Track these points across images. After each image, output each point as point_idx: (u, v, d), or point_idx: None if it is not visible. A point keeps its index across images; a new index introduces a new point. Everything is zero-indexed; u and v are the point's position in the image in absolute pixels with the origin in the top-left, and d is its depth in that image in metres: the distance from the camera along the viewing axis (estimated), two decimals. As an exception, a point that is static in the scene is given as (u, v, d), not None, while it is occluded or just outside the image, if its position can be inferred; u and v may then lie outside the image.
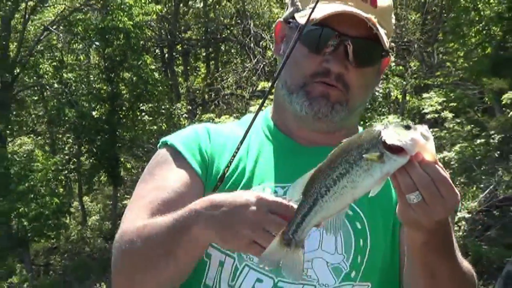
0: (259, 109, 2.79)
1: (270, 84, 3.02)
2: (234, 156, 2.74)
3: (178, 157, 2.81)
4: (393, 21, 2.94)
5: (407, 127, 2.18)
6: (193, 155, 2.81)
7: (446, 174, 2.20)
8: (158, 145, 2.95)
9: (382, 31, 2.73)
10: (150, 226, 2.53)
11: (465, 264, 2.56)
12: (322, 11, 2.69)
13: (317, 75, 2.75)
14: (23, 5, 30.71)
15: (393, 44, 29.57)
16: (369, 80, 2.87)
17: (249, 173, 2.80)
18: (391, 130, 2.17)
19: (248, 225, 2.28)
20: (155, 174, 2.81)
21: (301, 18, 2.76)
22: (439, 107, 20.32)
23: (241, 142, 2.73)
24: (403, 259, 2.65)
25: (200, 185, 2.77)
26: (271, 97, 3.14)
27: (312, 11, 2.67)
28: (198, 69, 37.30)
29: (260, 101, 3.05)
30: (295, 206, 2.28)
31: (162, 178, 2.77)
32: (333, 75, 2.73)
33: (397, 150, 2.15)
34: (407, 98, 27.20)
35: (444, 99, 21.15)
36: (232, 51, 35.69)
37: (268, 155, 2.86)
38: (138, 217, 2.66)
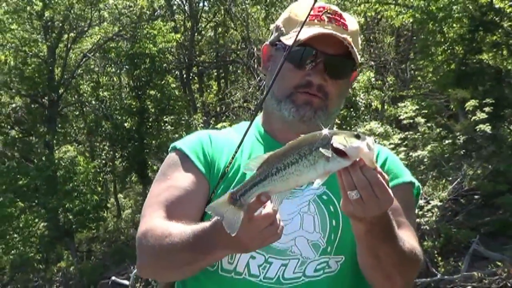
0: (253, 119, 2.84)
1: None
2: (233, 158, 2.79)
3: (186, 160, 2.86)
4: (360, 41, 2.97)
5: (357, 136, 2.20)
6: (198, 158, 2.85)
7: (382, 179, 2.25)
8: (169, 149, 2.99)
9: (354, 49, 2.78)
10: (170, 240, 2.58)
11: (407, 244, 2.60)
12: (305, 33, 2.72)
13: (300, 86, 2.79)
14: (66, 36, 30.80)
15: (372, 62, 29.56)
16: (343, 90, 2.92)
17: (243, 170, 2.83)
18: (341, 136, 2.20)
19: (252, 238, 2.35)
20: (167, 175, 2.85)
21: (287, 40, 2.81)
22: (413, 114, 20.30)
23: (238, 147, 2.78)
24: None
25: (205, 182, 2.83)
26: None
27: (298, 33, 2.69)
28: (211, 86, 37.26)
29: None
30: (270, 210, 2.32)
31: (173, 178, 2.81)
32: (314, 87, 2.78)
33: (342, 153, 2.19)
34: (385, 107, 27.11)
35: (417, 107, 21.13)
36: (239, 71, 35.66)
37: (258, 153, 2.85)
38: (156, 213, 2.73)
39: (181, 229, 2.58)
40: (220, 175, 2.82)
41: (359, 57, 2.84)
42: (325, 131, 2.24)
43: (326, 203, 2.81)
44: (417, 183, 2.95)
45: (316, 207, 2.79)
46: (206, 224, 2.49)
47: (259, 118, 3.07)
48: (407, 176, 2.91)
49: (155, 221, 2.72)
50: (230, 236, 2.34)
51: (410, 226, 2.79)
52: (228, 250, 2.51)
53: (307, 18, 2.73)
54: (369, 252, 2.56)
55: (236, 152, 2.82)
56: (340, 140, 2.19)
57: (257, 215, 2.31)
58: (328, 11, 2.87)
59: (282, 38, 2.88)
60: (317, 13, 2.85)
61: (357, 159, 2.21)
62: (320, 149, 2.21)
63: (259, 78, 27.72)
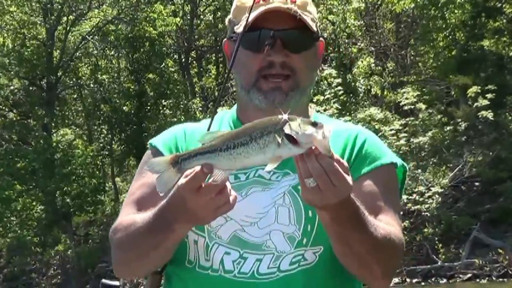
0: (214, 113, 2.84)
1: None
2: None
3: (159, 156, 2.76)
4: (314, 11, 2.87)
5: (314, 124, 2.17)
6: (171, 153, 2.76)
7: (340, 167, 2.23)
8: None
9: (306, 17, 2.70)
10: (135, 227, 2.62)
11: (381, 231, 2.51)
12: (251, 16, 2.67)
13: (263, 69, 2.71)
14: (65, 19, 30.75)
15: (372, 48, 29.40)
16: (310, 62, 2.82)
17: None
18: (295, 122, 2.17)
19: (203, 207, 2.35)
20: (142, 173, 2.84)
21: (238, 29, 2.75)
22: (414, 100, 20.20)
23: None
24: None
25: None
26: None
27: (247, 20, 2.67)
28: (209, 71, 37.12)
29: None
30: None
31: (146, 176, 2.79)
32: (277, 65, 2.70)
33: (295, 140, 2.16)
34: (385, 93, 26.99)
35: (419, 93, 21.04)
36: (238, 55, 35.54)
37: None
38: (128, 212, 2.77)
39: (143, 215, 2.60)
40: None
41: (313, 25, 2.75)
42: (283, 116, 2.19)
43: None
44: (400, 163, 2.81)
45: (292, 198, 2.71)
46: (163, 202, 2.48)
47: (235, 107, 2.99)
48: (387, 157, 2.78)
49: (124, 218, 2.74)
50: (184, 208, 2.37)
51: (390, 210, 2.68)
52: (185, 223, 2.49)
53: (253, 2, 2.68)
54: (339, 240, 2.50)
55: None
56: (293, 127, 2.16)
57: (205, 183, 2.31)
58: None
59: (234, 29, 2.80)
60: None
61: (312, 147, 2.18)
62: (272, 134, 2.19)
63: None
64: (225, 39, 2.92)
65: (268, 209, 2.70)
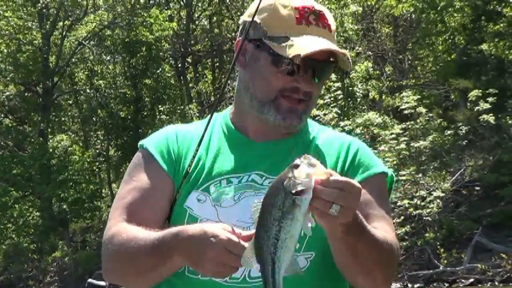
0: (210, 117, 2.83)
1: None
2: (194, 156, 2.77)
3: (151, 159, 2.83)
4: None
5: (296, 166, 2.23)
6: (162, 156, 2.82)
7: (343, 179, 2.28)
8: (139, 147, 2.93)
9: (348, 58, 2.71)
10: (136, 244, 2.61)
11: (379, 235, 2.59)
12: (300, 45, 2.63)
13: (286, 90, 2.70)
14: (61, 24, 30.75)
15: (370, 52, 29.36)
16: (321, 89, 2.92)
17: (208, 169, 2.82)
18: (290, 180, 2.22)
19: (211, 262, 2.39)
20: (132, 176, 2.84)
21: (278, 48, 2.67)
22: (415, 104, 20.17)
23: (199, 145, 2.77)
24: None
25: (169, 182, 2.81)
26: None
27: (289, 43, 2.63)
28: (205, 76, 37.09)
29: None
30: (245, 244, 2.35)
31: (137, 180, 2.81)
32: (301, 92, 2.71)
33: (301, 191, 2.23)
34: (383, 97, 26.96)
35: (419, 96, 21.00)
36: (235, 60, 35.53)
37: (226, 150, 2.87)
38: (120, 217, 2.75)
39: (146, 234, 2.61)
40: (183, 175, 2.79)
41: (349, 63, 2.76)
42: (278, 186, 2.25)
43: None
44: (390, 173, 2.88)
45: None
46: (171, 229, 2.53)
47: (228, 111, 2.96)
48: (379, 166, 2.84)
49: (121, 226, 2.72)
50: (187, 246, 2.42)
51: (384, 218, 2.76)
52: (184, 258, 2.51)
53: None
54: (347, 250, 2.53)
55: (197, 151, 2.79)
56: (292, 184, 2.22)
57: (225, 232, 2.36)
58: (314, 12, 2.74)
59: (271, 45, 2.70)
60: (301, 13, 2.71)
61: (313, 186, 2.24)
62: (288, 204, 2.23)
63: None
64: (241, 37, 2.79)
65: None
